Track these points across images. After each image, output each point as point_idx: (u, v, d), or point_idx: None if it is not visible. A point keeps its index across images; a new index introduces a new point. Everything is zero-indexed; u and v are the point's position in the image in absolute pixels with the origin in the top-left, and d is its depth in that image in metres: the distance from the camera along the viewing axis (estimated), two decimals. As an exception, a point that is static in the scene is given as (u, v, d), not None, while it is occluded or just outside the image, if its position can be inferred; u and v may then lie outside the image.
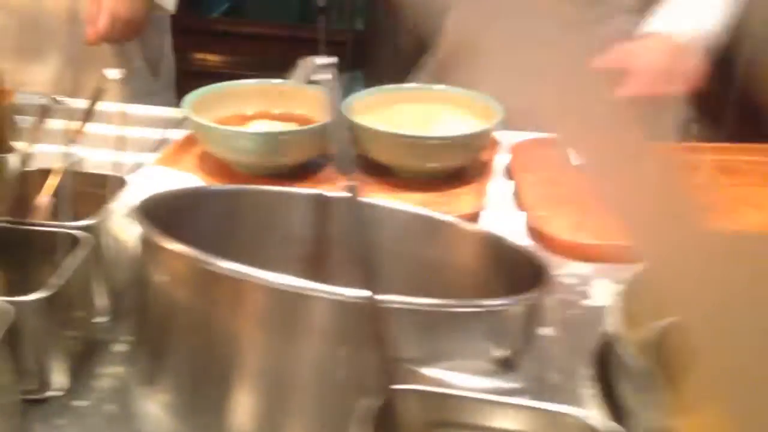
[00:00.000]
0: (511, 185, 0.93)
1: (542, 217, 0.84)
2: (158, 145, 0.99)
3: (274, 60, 1.14)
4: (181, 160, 0.97)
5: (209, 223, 0.65)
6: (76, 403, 0.57)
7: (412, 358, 0.46)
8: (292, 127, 0.95)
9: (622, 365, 0.55)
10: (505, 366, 0.48)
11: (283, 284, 0.48)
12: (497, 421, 0.44)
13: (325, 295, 0.47)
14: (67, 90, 0.98)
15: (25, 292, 0.54)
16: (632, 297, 0.62)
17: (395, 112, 1.00)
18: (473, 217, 0.84)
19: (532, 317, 0.51)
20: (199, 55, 2.49)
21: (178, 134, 1.02)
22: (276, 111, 1.00)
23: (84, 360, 0.61)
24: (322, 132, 0.91)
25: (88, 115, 0.71)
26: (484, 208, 0.86)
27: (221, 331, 0.51)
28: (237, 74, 1.15)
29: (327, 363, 0.48)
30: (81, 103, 0.73)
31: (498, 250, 0.59)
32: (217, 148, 0.93)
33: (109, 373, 0.61)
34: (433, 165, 0.92)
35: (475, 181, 0.94)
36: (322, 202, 0.65)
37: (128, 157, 0.77)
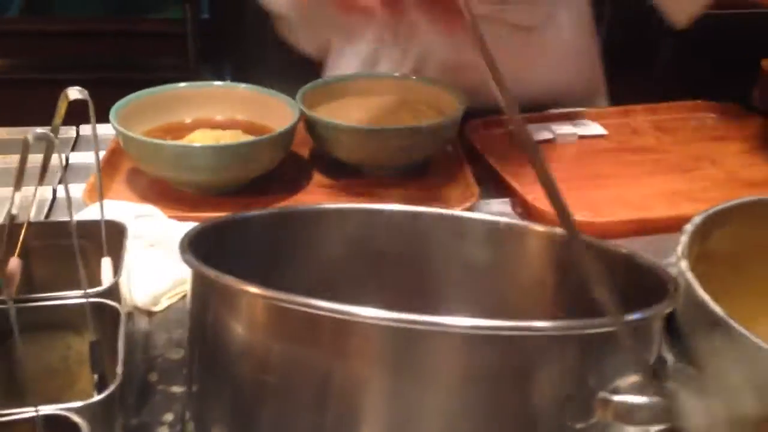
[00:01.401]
0: (486, 169, 0.89)
1: (540, 198, 0.81)
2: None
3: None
4: (110, 189, 0.83)
5: (262, 254, 0.55)
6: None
7: (591, 387, 0.41)
8: (238, 134, 0.85)
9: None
10: (658, 377, 0.45)
11: (408, 320, 0.41)
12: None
13: (457, 330, 0.41)
14: None
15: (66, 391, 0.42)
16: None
17: (346, 105, 0.93)
18: (470, 208, 0.79)
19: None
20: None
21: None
22: (219, 117, 0.89)
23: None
24: (288, 137, 0.82)
25: None
26: (478, 197, 0.81)
27: (328, 385, 0.43)
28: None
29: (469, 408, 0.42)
30: None
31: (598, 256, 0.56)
32: (166, 169, 0.80)
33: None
34: (404, 158, 0.86)
35: (450, 171, 0.89)
36: (376, 215, 0.58)
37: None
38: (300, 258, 0.59)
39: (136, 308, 0.63)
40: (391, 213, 0.61)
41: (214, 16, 2.12)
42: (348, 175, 0.87)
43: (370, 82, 0.96)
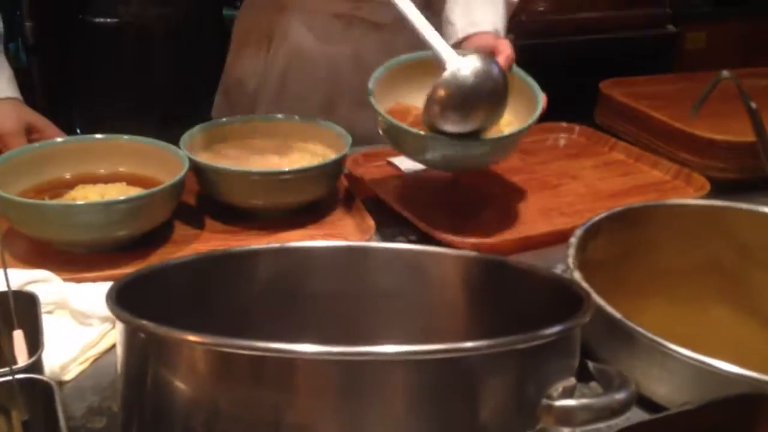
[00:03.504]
0: (373, 200, 0.93)
1: (439, 222, 0.86)
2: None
3: None
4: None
5: (186, 303, 0.55)
6: None
7: (531, 396, 0.45)
8: (123, 187, 0.83)
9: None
10: (587, 377, 0.49)
11: (350, 352, 0.43)
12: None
13: (399, 357, 0.43)
14: None
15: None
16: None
17: (230, 149, 0.93)
18: (369, 240, 0.82)
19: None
20: None
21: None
22: (102, 171, 0.86)
23: None
24: (180, 186, 0.81)
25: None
26: (374, 228, 0.84)
27: (281, 423, 0.44)
28: None
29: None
30: None
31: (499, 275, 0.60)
32: (50, 230, 0.76)
33: None
34: (296, 199, 0.87)
35: (344, 205, 0.92)
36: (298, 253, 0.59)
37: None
38: (222, 301, 0.59)
39: (47, 379, 0.60)
40: (306, 250, 0.62)
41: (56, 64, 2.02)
42: (241, 219, 0.87)
43: (252, 124, 0.96)
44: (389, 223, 0.89)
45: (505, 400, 0.45)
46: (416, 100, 0.88)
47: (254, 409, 0.44)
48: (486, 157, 0.87)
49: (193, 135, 0.90)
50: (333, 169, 0.89)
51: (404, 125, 0.83)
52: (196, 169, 0.85)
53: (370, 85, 0.87)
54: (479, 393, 0.44)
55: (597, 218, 0.75)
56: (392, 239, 0.86)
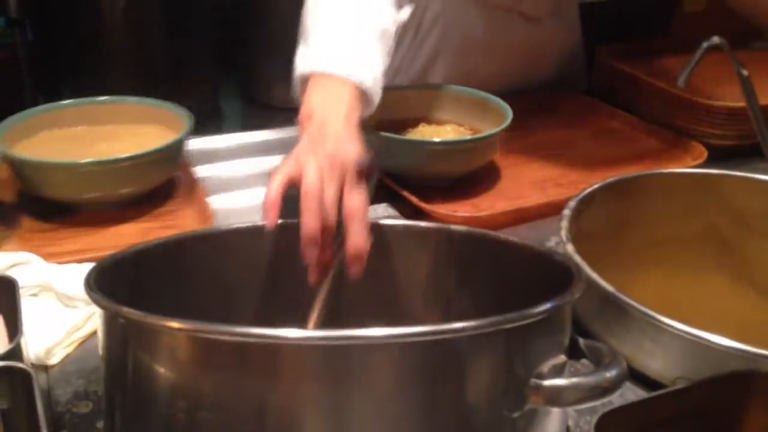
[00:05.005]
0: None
1: (429, 195, 0.84)
2: None
3: None
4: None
5: (163, 286, 0.54)
6: None
7: (520, 376, 0.44)
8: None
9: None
10: (578, 354, 0.48)
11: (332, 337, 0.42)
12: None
13: (386, 340, 0.42)
14: None
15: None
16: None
17: (47, 140, 0.86)
18: None
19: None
20: None
21: None
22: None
23: None
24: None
25: None
26: (213, 217, 0.80)
27: (265, 410, 0.43)
28: None
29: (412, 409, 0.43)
30: None
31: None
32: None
33: None
34: (131, 189, 0.81)
35: (183, 193, 0.86)
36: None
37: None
38: (204, 282, 0.58)
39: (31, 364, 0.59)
40: (286, 227, 0.61)
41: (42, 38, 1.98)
42: (64, 214, 0.80)
43: (75, 109, 0.89)
44: (377, 197, 0.87)
45: (493, 381, 0.43)
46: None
47: (237, 396, 0.43)
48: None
49: (8, 126, 0.83)
50: (171, 153, 0.83)
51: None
52: (12, 163, 0.79)
53: None
54: (466, 374, 0.43)
55: (590, 189, 0.74)
56: (380, 212, 0.85)
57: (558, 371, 0.46)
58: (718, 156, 0.96)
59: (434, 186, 0.87)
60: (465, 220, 0.80)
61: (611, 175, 0.77)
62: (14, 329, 0.51)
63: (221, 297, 0.59)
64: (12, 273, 0.67)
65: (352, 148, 0.59)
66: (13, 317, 0.52)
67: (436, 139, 0.86)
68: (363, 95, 0.68)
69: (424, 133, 0.92)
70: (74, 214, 0.81)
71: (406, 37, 1.07)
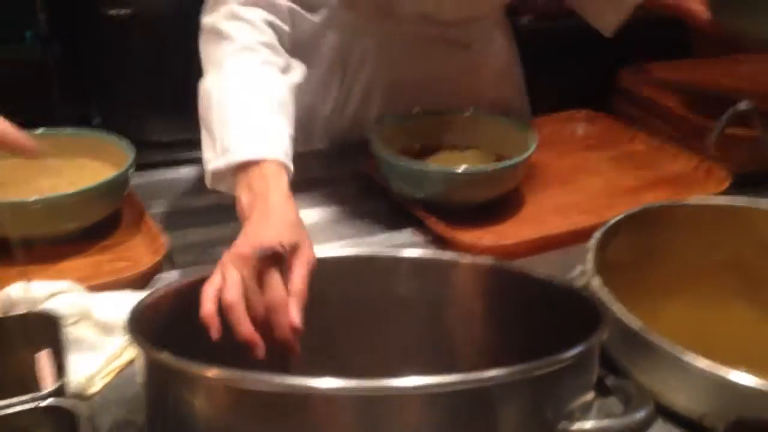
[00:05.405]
0: (385, 199, 0.92)
1: (453, 221, 0.86)
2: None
3: None
4: None
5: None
6: None
7: (550, 420, 0.45)
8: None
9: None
10: (605, 392, 0.50)
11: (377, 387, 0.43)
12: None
13: (415, 391, 0.43)
14: None
15: None
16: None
17: None
18: (160, 262, 0.79)
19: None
20: None
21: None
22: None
23: None
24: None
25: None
26: (166, 252, 0.80)
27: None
28: None
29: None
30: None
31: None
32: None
33: None
34: (79, 223, 0.81)
35: (126, 225, 0.86)
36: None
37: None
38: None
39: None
40: (321, 261, 0.62)
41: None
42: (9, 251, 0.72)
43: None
44: (401, 223, 0.89)
45: (522, 426, 0.45)
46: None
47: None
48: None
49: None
50: (119, 186, 0.84)
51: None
52: None
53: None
54: (497, 420, 0.44)
55: (615, 220, 0.75)
56: (404, 239, 0.86)
57: (587, 409, 0.48)
58: (742, 181, 0.96)
59: (458, 212, 0.89)
60: (489, 249, 0.81)
61: (635, 201, 0.78)
62: (58, 366, 0.53)
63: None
64: (52, 302, 0.69)
65: (279, 231, 0.61)
66: (58, 353, 0.54)
67: (460, 169, 0.87)
68: (286, 169, 0.70)
69: (448, 160, 0.93)
70: (21, 251, 0.76)
71: (333, 82, 1.07)
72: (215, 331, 0.55)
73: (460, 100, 1.04)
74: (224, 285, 0.57)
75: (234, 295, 0.56)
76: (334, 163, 1.05)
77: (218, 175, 0.72)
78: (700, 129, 1.03)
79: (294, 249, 0.60)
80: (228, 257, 0.59)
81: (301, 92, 0.82)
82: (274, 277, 0.58)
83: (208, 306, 0.56)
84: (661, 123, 1.10)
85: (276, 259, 0.59)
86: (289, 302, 0.57)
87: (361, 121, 1.07)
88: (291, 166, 0.70)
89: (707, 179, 0.99)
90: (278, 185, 0.67)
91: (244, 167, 0.69)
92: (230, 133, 0.71)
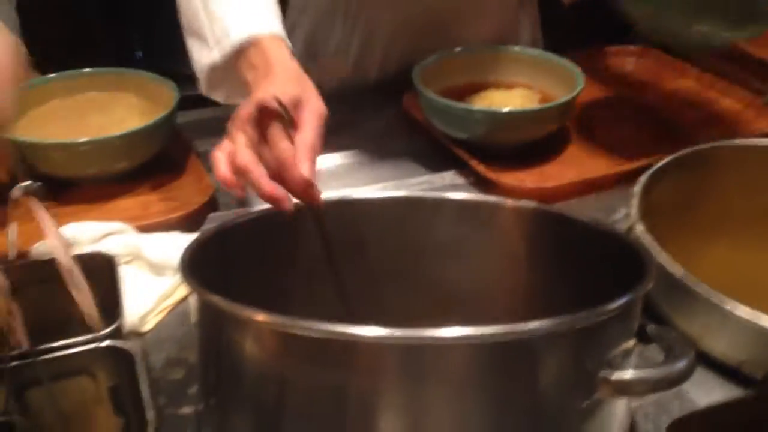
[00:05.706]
0: (428, 141, 0.92)
1: (496, 164, 0.85)
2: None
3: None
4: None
5: (252, 262, 0.57)
6: None
7: (590, 370, 0.46)
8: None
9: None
10: (646, 340, 0.50)
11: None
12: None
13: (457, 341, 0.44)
14: None
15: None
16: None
17: (49, 112, 0.87)
18: (209, 200, 0.80)
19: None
20: None
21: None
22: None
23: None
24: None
25: None
26: (213, 188, 0.81)
27: (343, 400, 0.46)
28: None
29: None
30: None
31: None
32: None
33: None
34: (129, 164, 0.83)
35: (180, 164, 0.87)
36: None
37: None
38: (289, 256, 0.61)
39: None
40: (363, 202, 0.63)
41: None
42: (62, 188, 0.81)
43: (72, 81, 0.90)
44: (444, 165, 0.89)
45: (563, 375, 0.45)
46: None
47: (317, 386, 0.46)
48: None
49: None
50: (167, 126, 0.85)
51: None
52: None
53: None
54: (538, 370, 0.45)
55: (661, 163, 0.74)
56: (446, 181, 0.86)
57: (627, 357, 0.48)
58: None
59: (502, 152, 0.88)
60: (532, 191, 0.81)
61: (680, 142, 0.76)
62: (116, 306, 0.55)
63: (306, 271, 0.62)
64: (105, 242, 0.72)
65: (281, 87, 0.60)
66: (114, 295, 0.56)
67: (505, 109, 0.86)
68: (285, 43, 0.68)
69: (493, 98, 0.92)
70: (72, 190, 0.83)
71: (336, 22, 1.04)
72: (241, 191, 0.55)
73: (465, 33, 1.02)
74: (235, 150, 0.57)
75: (245, 156, 0.56)
76: (373, 102, 1.04)
77: (216, 72, 0.70)
78: (754, 62, 1.00)
79: (298, 102, 0.59)
80: (231, 123, 0.59)
81: (302, 32, 0.78)
82: (277, 133, 0.57)
83: (222, 169, 0.56)
84: (715, 59, 1.07)
85: (279, 117, 0.58)
86: (297, 154, 0.56)
87: (365, 63, 1.05)
88: (288, 42, 0.69)
89: (757, 117, 0.96)
90: (280, 54, 0.65)
91: (242, 53, 0.67)
92: (221, 23, 0.69)
